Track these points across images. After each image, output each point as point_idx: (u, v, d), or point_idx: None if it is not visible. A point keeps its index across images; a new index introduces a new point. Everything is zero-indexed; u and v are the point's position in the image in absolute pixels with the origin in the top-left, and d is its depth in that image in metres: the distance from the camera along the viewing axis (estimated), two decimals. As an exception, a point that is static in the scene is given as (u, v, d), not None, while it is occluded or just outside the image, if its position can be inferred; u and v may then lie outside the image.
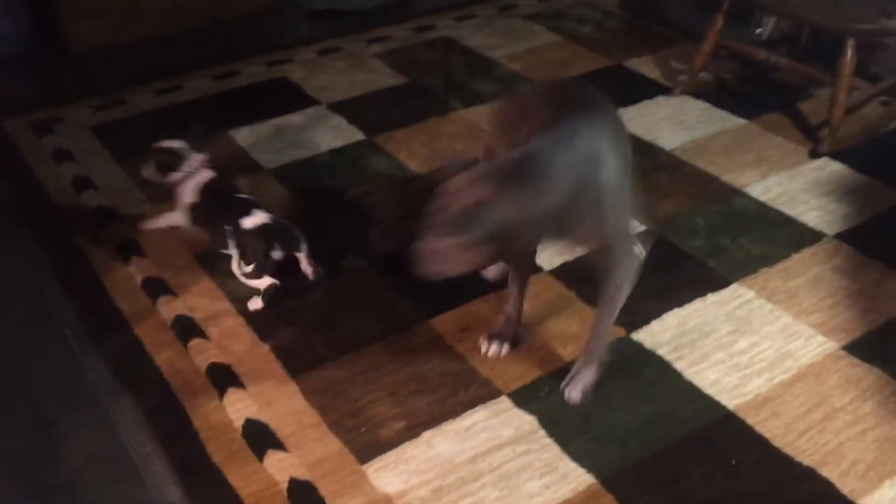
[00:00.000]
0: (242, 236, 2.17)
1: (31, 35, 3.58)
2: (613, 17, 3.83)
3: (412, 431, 1.85)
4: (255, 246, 2.16)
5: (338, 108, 3.14)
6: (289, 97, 3.24)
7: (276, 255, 2.18)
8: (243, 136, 2.98)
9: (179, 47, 3.63)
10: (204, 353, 2.08)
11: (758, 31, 3.41)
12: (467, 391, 1.96)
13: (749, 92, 3.17)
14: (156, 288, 2.29)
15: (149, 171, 2.40)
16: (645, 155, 2.80)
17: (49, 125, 3.07)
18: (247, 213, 2.19)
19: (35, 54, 3.54)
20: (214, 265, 2.36)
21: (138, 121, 3.11)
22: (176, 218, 2.39)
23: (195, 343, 2.10)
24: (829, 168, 2.73)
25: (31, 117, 3.11)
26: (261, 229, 2.17)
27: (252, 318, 2.18)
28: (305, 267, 2.26)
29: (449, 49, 3.58)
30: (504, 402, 1.92)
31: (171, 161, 2.34)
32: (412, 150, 2.87)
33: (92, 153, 2.91)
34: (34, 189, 2.72)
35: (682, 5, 3.81)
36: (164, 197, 2.64)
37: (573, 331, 2.11)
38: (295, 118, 3.09)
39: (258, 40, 3.71)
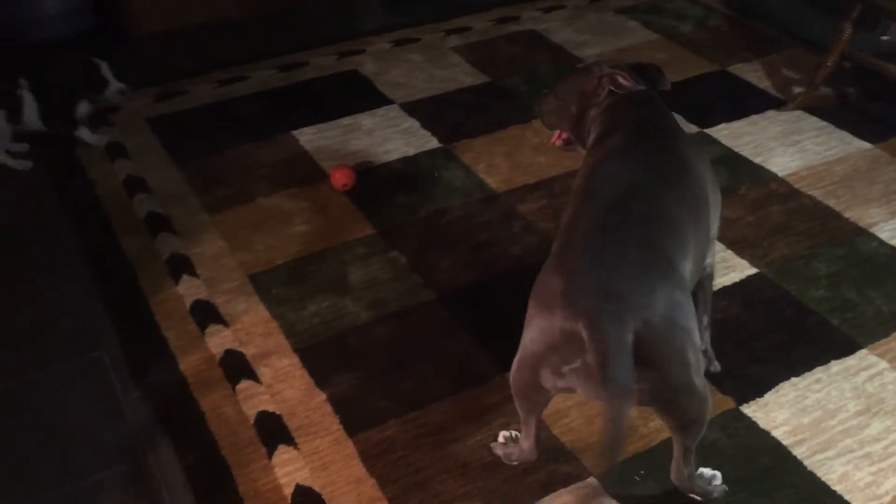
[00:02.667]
0: None
1: (91, 16, 3.39)
2: (716, 14, 3.47)
3: (485, 518, 1.61)
4: None
5: (412, 109, 2.88)
6: (359, 94, 2.99)
7: None
8: (307, 137, 2.75)
9: (246, 33, 3.41)
10: (254, 399, 1.86)
11: (884, 37, 3.04)
12: (549, 467, 1.70)
13: (875, 110, 2.80)
14: (205, 314, 2.08)
15: None
16: (754, 180, 2.48)
17: (104, 115, 2.88)
18: None
19: (93, 36, 3.35)
20: (270, 290, 2.14)
21: (197, 114, 2.90)
22: None
23: (244, 386, 1.89)
24: (973, 208, 2.37)
25: (87, 106, 2.92)
26: None
27: (308, 360, 1.95)
28: None
29: (534, 45, 3.28)
30: (593, 485, 1.65)
31: None
32: (492, 164, 2.59)
33: (147, 150, 2.71)
34: (84, 190, 2.53)
35: (791, 2, 3.44)
36: (222, 206, 2.44)
37: (672, 398, 1.83)
38: (365, 119, 2.84)
39: (329, 28, 3.46)
